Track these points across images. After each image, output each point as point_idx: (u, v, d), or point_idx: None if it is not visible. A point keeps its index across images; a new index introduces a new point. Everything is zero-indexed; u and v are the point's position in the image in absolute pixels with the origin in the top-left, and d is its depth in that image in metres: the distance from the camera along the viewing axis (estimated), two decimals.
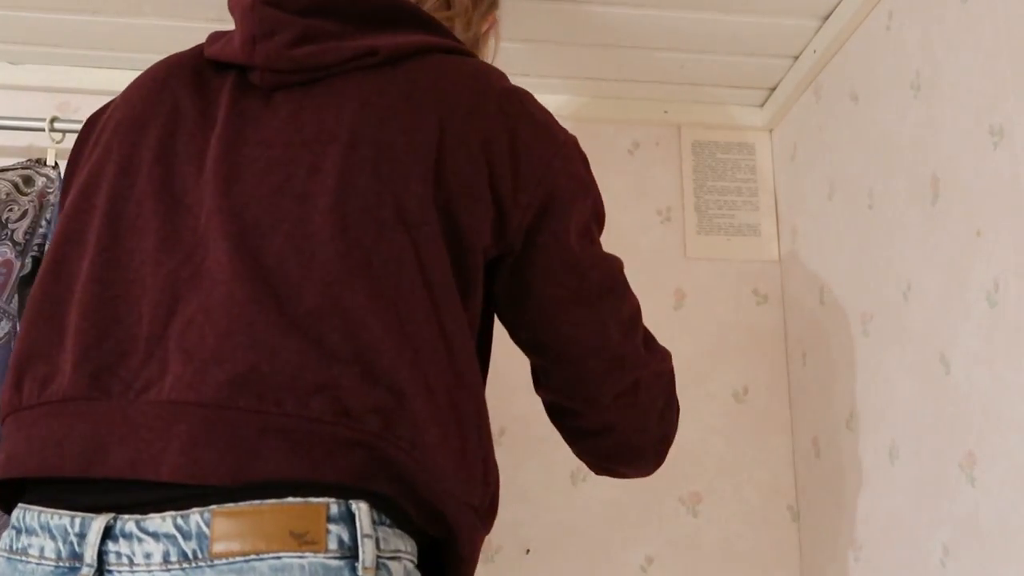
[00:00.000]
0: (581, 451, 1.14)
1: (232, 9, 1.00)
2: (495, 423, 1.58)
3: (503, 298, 1.02)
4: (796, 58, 1.60)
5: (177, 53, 1.04)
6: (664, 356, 1.12)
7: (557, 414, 1.12)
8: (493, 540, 1.54)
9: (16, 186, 1.48)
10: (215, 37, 1.01)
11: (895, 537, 1.28)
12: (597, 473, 1.18)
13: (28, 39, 1.54)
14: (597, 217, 1.06)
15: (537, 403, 1.58)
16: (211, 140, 0.93)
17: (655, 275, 1.68)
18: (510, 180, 0.95)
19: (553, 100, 1.70)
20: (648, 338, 1.11)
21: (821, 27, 1.51)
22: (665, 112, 1.73)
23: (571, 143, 1.02)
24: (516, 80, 1.64)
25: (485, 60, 1.10)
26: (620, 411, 1.07)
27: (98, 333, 0.86)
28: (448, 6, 1.11)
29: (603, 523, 1.57)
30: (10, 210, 1.46)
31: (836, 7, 1.46)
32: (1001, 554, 1.07)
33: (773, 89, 1.70)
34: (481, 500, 0.89)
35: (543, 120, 1.00)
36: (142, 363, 0.84)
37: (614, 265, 1.06)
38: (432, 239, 0.90)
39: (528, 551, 1.54)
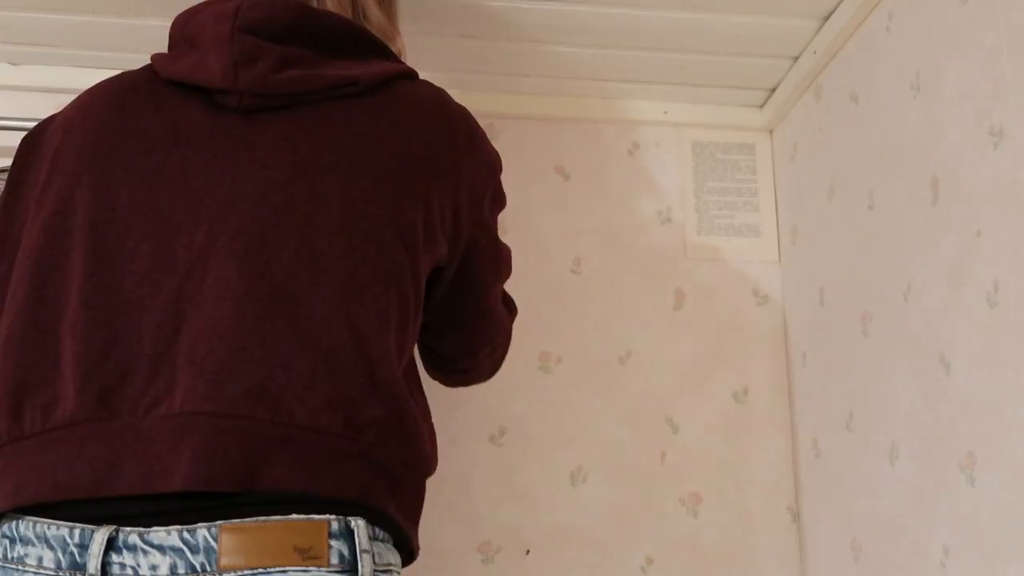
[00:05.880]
0: (441, 380, 1.30)
1: (195, 35, 1.01)
2: (495, 423, 1.58)
3: (444, 299, 1.11)
4: (796, 58, 1.60)
5: (124, 73, 1.05)
6: (514, 310, 1.29)
7: (432, 357, 1.24)
8: (493, 540, 1.54)
9: None
10: (169, 58, 1.02)
11: (895, 537, 1.28)
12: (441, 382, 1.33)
13: (28, 39, 1.54)
14: (503, 203, 1.19)
15: (537, 403, 1.59)
16: (191, 160, 0.95)
17: (655, 275, 1.68)
18: (467, 203, 1.06)
19: (553, 101, 1.71)
20: (507, 297, 1.27)
21: (821, 27, 1.51)
22: (665, 112, 1.73)
23: (499, 162, 1.15)
24: (517, 80, 1.65)
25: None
26: (484, 359, 1.26)
27: (97, 355, 0.87)
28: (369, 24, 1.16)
29: (603, 523, 1.57)
30: None
31: (836, 7, 1.46)
32: (1001, 554, 1.07)
33: (773, 90, 1.70)
34: (435, 466, 1.01)
35: (486, 144, 1.11)
36: (148, 380, 0.86)
37: (505, 245, 1.21)
38: (422, 257, 0.99)
39: (528, 551, 1.54)
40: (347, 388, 0.87)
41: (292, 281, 0.89)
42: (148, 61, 1.05)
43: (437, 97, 1.08)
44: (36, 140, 1.05)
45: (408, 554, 0.96)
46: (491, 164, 1.11)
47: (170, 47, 1.05)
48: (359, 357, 0.89)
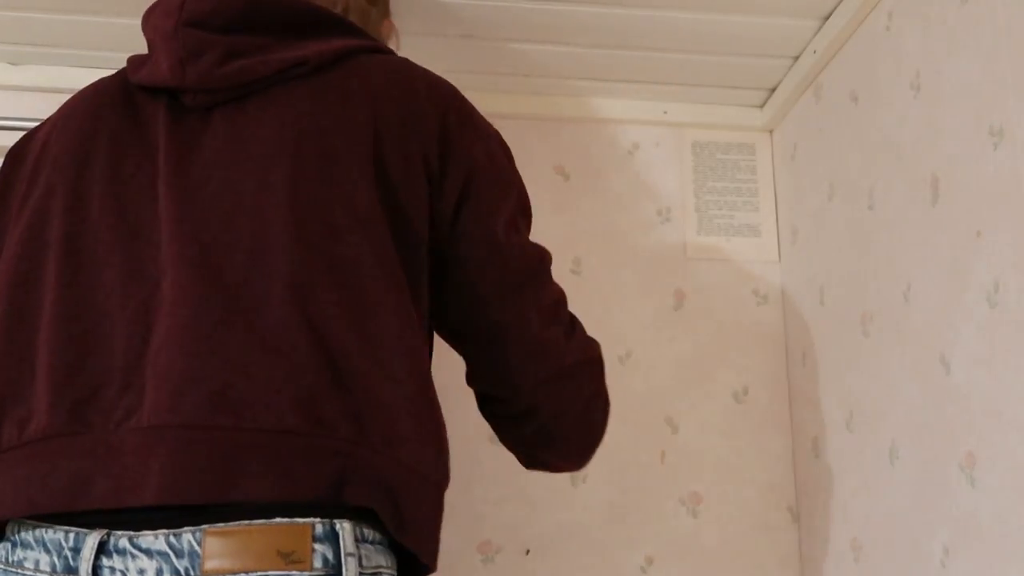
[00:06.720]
0: (507, 440, 1.12)
1: (150, 34, 1.00)
2: None
3: (449, 300, 1.03)
4: (796, 58, 1.60)
5: (100, 80, 1.04)
6: (589, 346, 1.09)
7: (484, 403, 1.10)
8: (493, 540, 1.54)
9: None
10: (138, 62, 1.01)
11: (895, 537, 1.28)
12: (528, 467, 1.16)
13: (28, 39, 1.54)
14: (523, 210, 1.07)
15: None
16: (158, 166, 0.94)
17: (655, 275, 1.68)
18: (438, 167, 0.97)
19: (554, 100, 1.71)
20: (573, 327, 1.09)
21: (821, 27, 1.51)
22: (665, 112, 1.73)
23: (495, 135, 1.04)
24: (517, 80, 1.65)
25: None
26: (541, 398, 1.05)
27: (69, 369, 0.87)
28: (346, 12, 1.13)
29: (603, 523, 1.57)
30: None
31: (836, 7, 1.47)
32: (1001, 554, 1.07)
33: (773, 90, 1.70)
34: (446, 475, 0.93)
35: (468, 109, 1.02)
36: (119, 393, 0.85)
37: (538, 254, 1.06)
38: (384, 237, 0.92)
39: (528, 551, 1.54)
40: (311, 387, 0.84)
41: (246, 283, 0.87)
42: None
43: (401, 64, 1.01)
44: (22, 151, 1.04)
45: (413, 562, 0.91)
46: (477, 130, 1.01)
47: (148, 47, 1.03)
48: (319, 353, 0.86)
